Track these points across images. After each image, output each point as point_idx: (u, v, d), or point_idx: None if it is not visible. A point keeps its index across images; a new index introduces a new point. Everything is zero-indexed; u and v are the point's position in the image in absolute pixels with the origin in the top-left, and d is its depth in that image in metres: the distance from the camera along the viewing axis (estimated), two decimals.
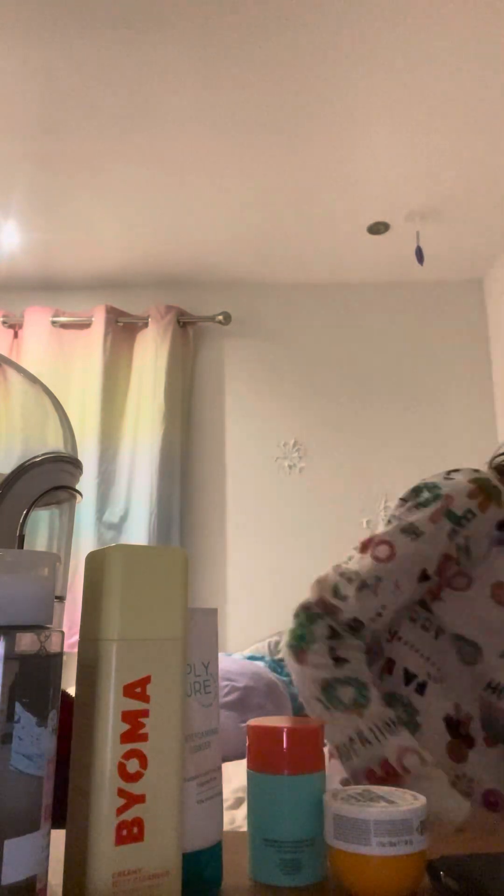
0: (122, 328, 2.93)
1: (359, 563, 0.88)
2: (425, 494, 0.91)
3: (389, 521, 0.92)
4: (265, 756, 0.51)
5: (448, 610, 0.87)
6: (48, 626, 0.37)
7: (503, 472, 0.96)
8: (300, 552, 2.70)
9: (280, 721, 0.53)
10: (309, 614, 0.86)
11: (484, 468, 0.97)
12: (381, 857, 0.44)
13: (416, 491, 0.93)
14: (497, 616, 0.85)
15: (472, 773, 0.83)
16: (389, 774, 0.76)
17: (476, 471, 0.94)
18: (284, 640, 0.87)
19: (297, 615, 0.86)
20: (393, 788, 0.50)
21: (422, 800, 0.47)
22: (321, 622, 0.85)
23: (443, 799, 0.75)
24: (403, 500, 0.94)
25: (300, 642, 0.84)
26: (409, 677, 0.87)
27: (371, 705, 0.79)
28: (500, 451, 0.99)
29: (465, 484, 0.90)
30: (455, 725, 0.85)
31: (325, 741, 0.84)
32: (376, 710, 0.80)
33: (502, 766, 0.84)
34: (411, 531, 0.88)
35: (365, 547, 0.90)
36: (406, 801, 0.46)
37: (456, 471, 0.95)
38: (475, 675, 0.86)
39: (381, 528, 0.92)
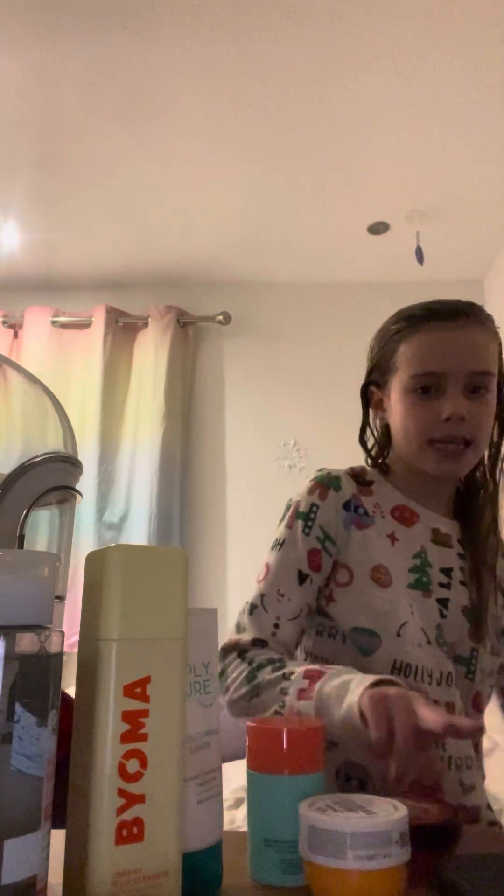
0: (122, 328, 2.93)
1: (252, 594, 0.96)
2: (284, 511, 1.00)
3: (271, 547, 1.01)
4: (265, 756, 0.51)
5: (342, 608, 0.91)
6: (48, 626, 0.37)
7: (374, 467, 1.04)
8: None
9: (280, 721, 0.53)
10: (221, 654, 0.92)
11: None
12: (359, 871, 0.41)
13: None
14: (382, 598, 0.88)
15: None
16: (313, 676, 0.79)
17: (321, 469, 1.01)
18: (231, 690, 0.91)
19: (226, 667, 0.91)
20: (373, 797, 0.47)
21: (402, 810, 0.44)
22: (229, 655, 0.91)
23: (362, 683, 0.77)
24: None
25: (222, 681, 0.89)
26: None
27: (297, 673, 0.83)
28: (367, 447, 1.10)
29: (307, 485, 0.98)
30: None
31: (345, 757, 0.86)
32: (300, 675, 0.84)
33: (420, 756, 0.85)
34: (275, 545, 0.97)
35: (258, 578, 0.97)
36: (386, 812, 0.43)
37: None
38: (380, 663, 0.87)
39: None
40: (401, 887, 0.42)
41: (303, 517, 0.95)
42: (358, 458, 1.10)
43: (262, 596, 0.93)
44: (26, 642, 0.35)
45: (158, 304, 2.93)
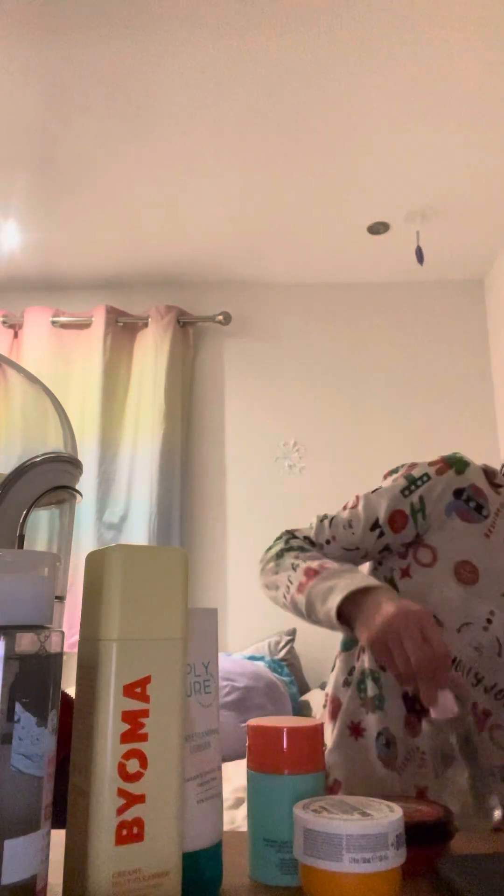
0: (122, 328, 2.93)
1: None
2: (398, 467, 1.01)
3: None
4: (265, 756, 0.51)
5: (414, 586, 0.91)
6: (48, 626, 0.37)
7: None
8: None
9: (280, 721, 0.53)
10: (278, 536, 1.00)
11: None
12: (355, 874, 0.40)
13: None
14: (457, 593, 0.87)
15: (424, 746, 0.86)
16: (311, 574, 0.85)
17: (455, 453, 1.00)
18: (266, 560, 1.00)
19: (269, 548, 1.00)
20: (369, 799, 0.46)
21: (398, 812, 0.43)
22: (283, 534, 1.00)
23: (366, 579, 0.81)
24: None
25: (265, 552, 0.98)
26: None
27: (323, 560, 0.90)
28: None
29: (433, 458, 0.97)
30: (412, 700, 0.88)
31: (383, 724, 0.87)
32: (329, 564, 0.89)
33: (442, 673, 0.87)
34: (374, 490, 0.99)
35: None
36: (382, 813, 0.43)
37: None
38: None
39: None
40: (397, 889, 0.42)
41: (410, 479, 0.94)
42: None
43: (335, 517, 0.98)
44: (26, 642, 0.35)
45: (158, 304, 2.93)
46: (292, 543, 0.93)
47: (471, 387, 2.89)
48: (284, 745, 0.50)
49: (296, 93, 1.99)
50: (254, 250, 2.82)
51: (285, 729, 0.51)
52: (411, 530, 0.91)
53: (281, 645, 2.50)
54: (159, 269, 2.94)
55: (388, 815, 0.43)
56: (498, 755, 0.83)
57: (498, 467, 1.03)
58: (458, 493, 0.91)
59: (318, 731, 0.52)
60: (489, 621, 0.85)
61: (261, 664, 2.31)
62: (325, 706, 0.99)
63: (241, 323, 3.00)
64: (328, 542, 0.95)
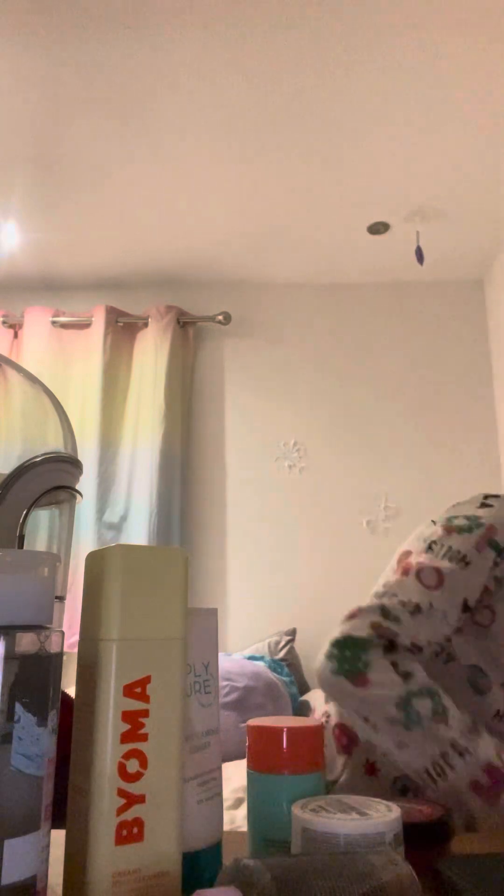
0: (122, 328, 2.93)
1: (402, 586, 0.85)
2: (462, 521, 0.89)
3: (430, 547, 0.88)
4: (265, 756, 0.51)
5: (468, 642, 0.86)
6: (48, 626, 0.37)
7: None
8: (300, 552, 2.70)
9: (280, 721, 0.53)
10: (358, 641, 0.81)
11: None
12: None
13: (451, 517, 0.91)
14: None
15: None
16: (497, 780, 0.72)
17: None
18: (325, 670, 0.82)
19: (338, 645, 0.82)
20: (367, 798, 0.46)
21: (396, 811, 0.43)
22: (375, 646, 0.81)
23: None
24: (434, 522, 0.92)
25: (356, 666, 0.79)
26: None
27: (452, 711, 0.76)
28: None
29: None
30: None
31: (402, 770, 0.81)
32: (458, 715, 0.77)
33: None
34: (459, 559, 0.85)
35: (406, 571, 0.86)
36: (380, 813, 0.43)
37: (495, 496, 0.93)
38: (485, 705, 0.85)
39: (419, 552, 0.89)
40: None
41: (497, 549, 0.86)
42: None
43: (430, 605, 0.84)
44: (26, 642, 0.35)
45: (158, 304, 2.93)
46: (411, 676, 0.78)
47: (471, 387, 2.89)
48: (284, 745, 0.50)
49: (296, 93, 1.99)
50: (254, 250, 2.82)
51: (285, 729, 0.51)
52: (488, 599, 0.87)
53: (281, 645, 2.50)
54: (159, 269, 2.94)
55: (385, 815, 0.43)
56: None
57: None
58: None
59: (318, 731, 0.52)
60: None
61: (261, 664, 2.31)
62: (326, 722, 0.93)
63: (241, 323, 3.00)
64: (429, 642, 0.83)
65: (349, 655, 0.81)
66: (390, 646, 0.81)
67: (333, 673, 0.81)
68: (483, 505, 0.92)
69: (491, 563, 0.85)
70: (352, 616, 0.84)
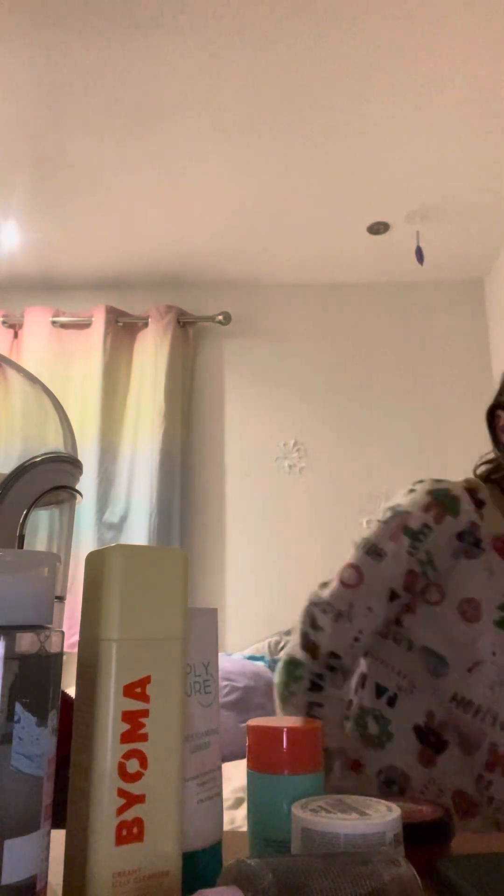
0: (122, 328, 2.93)
1: (330, 591, 0.89)
2: (388, 512, 0.92)
3: (356, 544, 0.93)
4: (265, 756, 0.51)
5: (418, 624, 0.88)
6: (48, 626, 0.37)
7: (487, 481, 0.96)
8: (300, 552, 2.70)
9: (280, 721, 0.53)
10: (292, 664, 0.89)
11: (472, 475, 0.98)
12: None
13: (384, 509, 0.95)
14: (463, 631, 0.85)
15: (440, 778, 0.85)
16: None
17: (439, 481, 0.93)
18: (276, 695, 0.91)
19: (284, 665, 0.89)
20: (367, 798, 0.46)
21: (396, 811, 0.43)
22: (303, 672, 0.88)
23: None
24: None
25: (285, 692, 0.89)
26: (380, 691, 0.89)
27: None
28: (484, 459, 1.00)
29: (422, 497, 0.90)
30: (425, 734, 0.86)
31: (385, 762, 0.87)
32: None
33: (468, 769, 0.84)
34: (373, 551, 0.90)
35: (338, 574, 0.92)
36: (380, 813, 0.43)
37: (420, 482, 0.95)
38: (443, 687, 0.86)
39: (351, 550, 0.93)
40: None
41: (411, 536, 0.88)
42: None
43: (350, 606, 0.88)
44: (26, 642, 0.35)
45: (158, 304, 2.93)
46: (306, 675, 0.87)
47: (470, 387, 2.89)
48: (284, 745, 0.50)
49: (296, 93, 1.99)
50: (254, 250, 2.82)
51: (285, 729, 0.51)
52: (422, 582, 0.89)
53: (281, 645, 2.50)
54: (159, 269, 2.94)
55: (385, 815, 0.43)
56: None
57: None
58: (459, 536, 0.89)
59: (317, 731, 0.52)
60: (494, 654, 0.83)
61: (261, 664, 2.31)
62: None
63: (241, 323, 2.99)
64: (356, 640, 0.87)
65: (282, 682, 0.90)
66: (312, 682, 0.88)
67: (282, 699, 0.90)
68: (409, 491, 0.94)
69: (406, 550, 0.88)
70: (301, 614, 0.91)
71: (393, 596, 0.88)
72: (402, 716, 0.87)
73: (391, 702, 0.88)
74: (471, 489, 0.93)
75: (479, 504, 0.91)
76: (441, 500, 0.90)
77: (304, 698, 0.87)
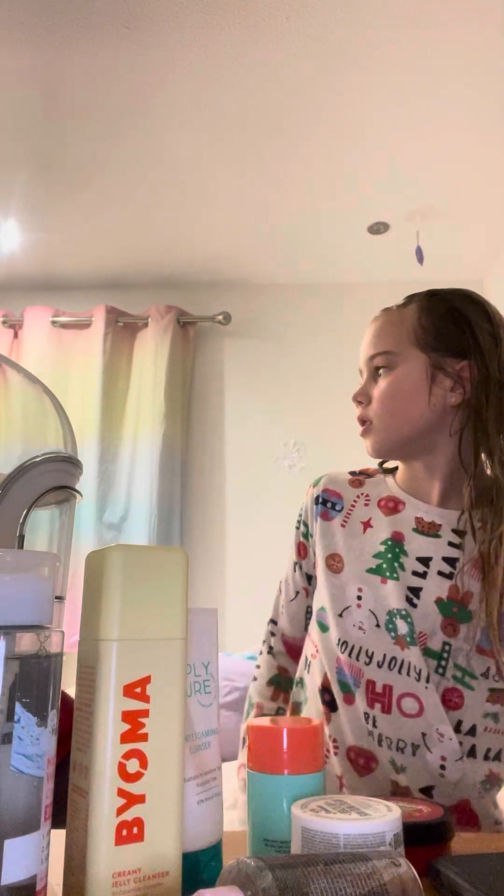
0: (122, 328, 2.93)
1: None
2: None
3: None
4: (265, 756, 0.51)
5: (314, 589, 1.01)
6: (48, 626, 0.37)
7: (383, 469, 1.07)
8: None
9: (280, 721, 0.53)
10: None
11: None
12: None
13: None
14: (332, 583, 0.94)
15: (336, 734, 0.91)
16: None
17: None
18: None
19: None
20: (367, 799, 0.47)
21: (396, 811, 0.43)
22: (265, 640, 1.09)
23: None
24: None
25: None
26: (305, 660, 1.00)
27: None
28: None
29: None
30: (322, 693, 0.94)
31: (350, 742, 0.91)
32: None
33: (359, 722, 0.89)
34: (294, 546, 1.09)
35: None
36: (380, 813, 0.43)
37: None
38: (331, 638, 0.93)
39: None
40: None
41: (298, 516, 1.06)
42: (358, 458, 1.11)
43: (280, 582, 1.09)
44: (26, 642, 0.35)
45: (158, 304, 2.93)
46: (258, 675, 1.07)
47: None
48: (284, 745, 0.50)
49: (296, 93, 1.99)
50: (254, 250, 2.82)
51: (285, 729, 0.51)
52: (311, 549, 1.01)
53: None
54: (159, 269, 2.94)
55: (385, 815, 0.43)
56: (406, 723, 0.86)
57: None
58: (316, 500, 1.01)
59: (317, 731, 0.52)
60: (359, 598, 0.91)
61: None
62: None
63: (241, 323, 2.99)
64: (282, 607, 1.07)
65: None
66: (266, 638, 1.08)
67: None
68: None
69: (295, 527, 1.05)
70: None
71: (294, 566, 1.05)
72: (312, 680, 0.96)
73: (308, 667, 0.98)
74: (353, 471, 1.06)
75: (357, 478, 1.03)
76: (314, 482, 1.05)
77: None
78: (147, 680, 0.40)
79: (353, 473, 1.06)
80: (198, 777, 0.46)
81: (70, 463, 0.54)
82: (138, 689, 0.39)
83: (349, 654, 0.90)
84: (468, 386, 0.89)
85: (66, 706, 0.43)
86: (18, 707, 0.34)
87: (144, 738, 0.39)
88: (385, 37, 1.79)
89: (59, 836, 0.41)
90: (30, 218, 2.55)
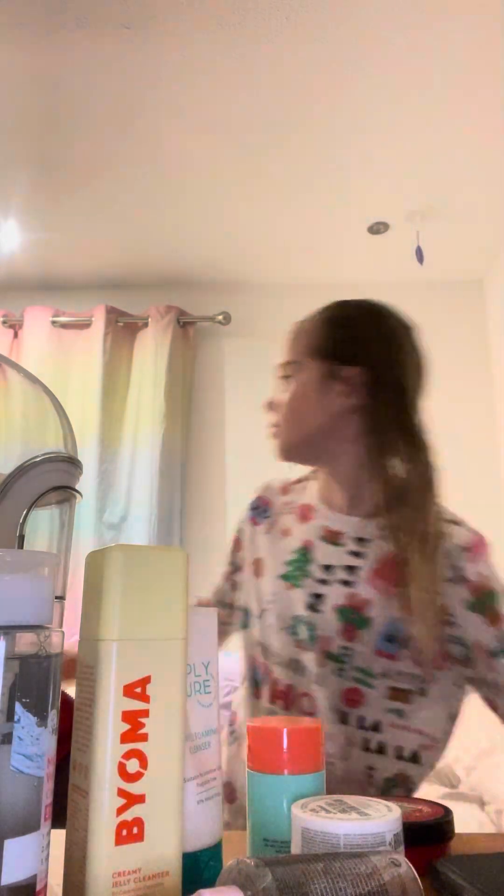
0: (122, 328, 2.93)
1: None
2: None
3: None
4: (265, 756, 0.51)
5: (243, 591, 1.06)
6: (48, 626, 0.37)
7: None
8: None
9: (280, 721, 0.53)
10: None
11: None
12: None
13: None
14: (256, 586, 1.00)
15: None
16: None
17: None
18: None
19: None
20: (368, 799, 0.46)
21: (396, 811, 0.43)
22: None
23: None
24: None
25: None
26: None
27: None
28: None
29: None
30: (243, 683, 1.03)
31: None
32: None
33: (264, 716, 0.96)
34: None
35: None
36: (380, 813, 0.43)
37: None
38: (251, 636, 1.01)
39: None
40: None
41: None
42: None
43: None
44: (26, 642, 0.35)
45: (158, 304, 2.93)
46: None
47: (470, 386, 2.89)
48: (284, 745, 0.50)
49: (296, 92, 1.99)
50: (254, 250, 2.82)
51: (285, 729, 0.51)
52: (243, 549, 1.08)
53: None
54: (159, 269, 2.94)
55: (385, 815, 0.43)
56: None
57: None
58: (249, 506, 1.10)
59: (317, 731, 0.52)
60: (272, 601, 0.96)
61: None
62: None
63: (241, 323, 2.99)
64: (219, 582, 1.13)
65: None
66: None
67: None
68: None
69: (236, 529, 1.12)
70: None
71: (229, 555, 1.12)
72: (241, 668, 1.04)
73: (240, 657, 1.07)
74: (287, 481, 1.12)
75: (286, 486, 1.09)
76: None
77: None
78: (147, 680, 0.40)
79: (284, 485, 1.11)
80: (198, 777, 0.46)
81: (70, 463, 0.54)
82: (138, 689, 0.39)
83: (262, 653, 0.97)
84: (363, 391, 0.93)
85: (66, 706, 0.43)
86: (18, 707, 0.34)
87: (144, 738, 0.39)
88: (385, 37, 1.79)
89: (59, 836, 0.41)
90: (30, 218, 2.55)
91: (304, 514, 1.00)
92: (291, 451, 1.00)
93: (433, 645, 0.84)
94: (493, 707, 0.85)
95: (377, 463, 0.93)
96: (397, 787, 0.86)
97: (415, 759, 0.86)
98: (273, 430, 1.02)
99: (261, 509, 1.07)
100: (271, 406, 1.03)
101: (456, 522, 0.92)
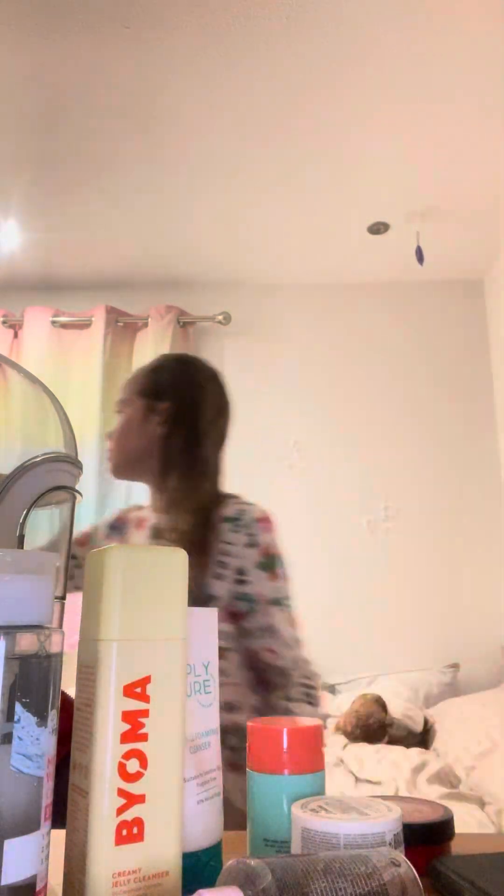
0: (122, 328, 2.93)
1: None
2: None
3: None
4: (265, 756, 0.51)
5: None
6: (48, 626, 0.37)
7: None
8: (300, 552, 2.70)
9: (280, 721, 0.53)
10: None
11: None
12: None
13: None
14: None
15: None
16: None
17: None
18: None
19: None
20: (368, 798, 0.46)
21: (396, 811, 0.43)
22: None
23: None
24: None
25: None
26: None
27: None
28: None
29: None
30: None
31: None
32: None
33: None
34: None
35: None
36: (380, 813, 0.43)
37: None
38: None
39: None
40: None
41: None
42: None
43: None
44: (26, 642, 0.35)
45: (158, 304, 2.93)
46: None
47: (470, 386, 2.89)
48: (284, 745, 0.50)
49: (296, 93, 1.99)
50: (254, 250, 2.82)
51: (285, 729, 0.51)
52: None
53: None
54: (159, 269, 2.94)
55: (385, 815, 0.42)
56: None
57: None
58: (108, 527, 1.27)
59: (317, 731, 0.52)
60: None
61: None
62: None
63: (241, 323, 2.99)
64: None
65: None
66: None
67: None
68: None
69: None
70: None
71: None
72: None
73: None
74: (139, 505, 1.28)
75: (140, 505, 1.26)
76: None
77: None
78: (147, 680, 0.40)
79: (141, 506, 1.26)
80: (198, 777, 0.46)
81: (70, 463, 0.54)
82: (138, 689, 0.39)
83: None
84: (171, 422, 1.18)
85: (66, 706, 0.43)
86: (18, 707, 0.34)
87: (144, 738, 0.39)
88: (385, 37, 1.79)
89: (59, 836, 0.41)
90: (30, 218, 2.55)
91: (143, 522, 1.22)
92: (120, 470, 1.23)
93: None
94: (271, 651, 1.07)
95: (163, 476, 1.19)
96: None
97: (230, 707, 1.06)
98: (108, 454, 1.24)
99: (117, 528, 1.26)
100: (109, 436, 1.25)
101: (250, 504, 1.25)
